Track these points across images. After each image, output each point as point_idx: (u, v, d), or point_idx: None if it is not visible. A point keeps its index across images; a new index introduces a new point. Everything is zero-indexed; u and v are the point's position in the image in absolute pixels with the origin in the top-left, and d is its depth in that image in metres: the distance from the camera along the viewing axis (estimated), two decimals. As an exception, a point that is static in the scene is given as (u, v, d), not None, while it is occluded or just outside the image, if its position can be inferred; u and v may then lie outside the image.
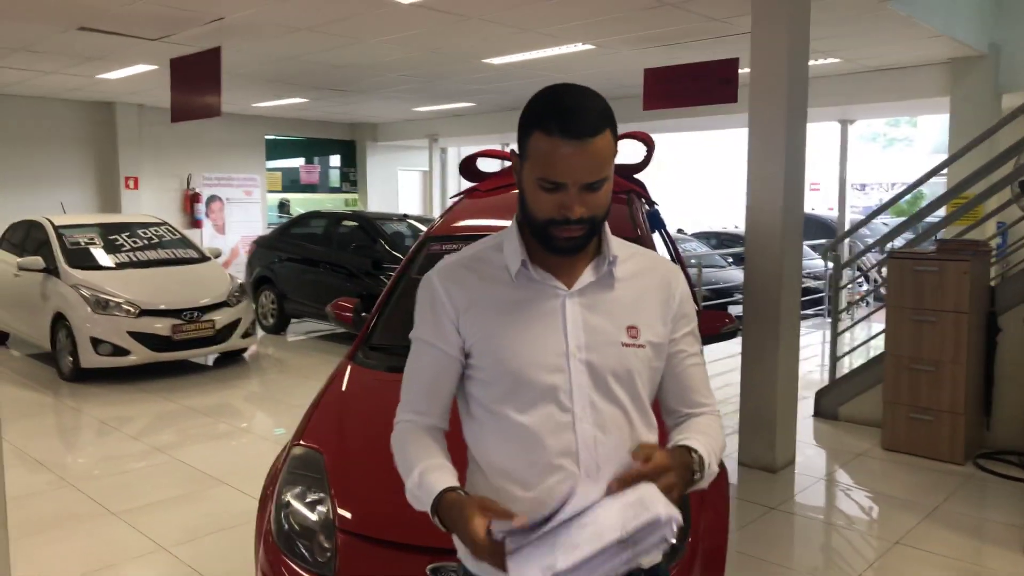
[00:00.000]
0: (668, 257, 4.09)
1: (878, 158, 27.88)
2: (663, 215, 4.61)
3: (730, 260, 11.72)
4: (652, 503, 1.14)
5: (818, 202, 19.89)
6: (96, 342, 6.89)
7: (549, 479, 1.36)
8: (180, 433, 5.78)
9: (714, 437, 1.42)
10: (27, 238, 8.16)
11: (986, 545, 3.90)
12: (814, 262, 11.04)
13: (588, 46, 7.46)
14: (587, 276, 1.42)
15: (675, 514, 1.14)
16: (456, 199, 4.16)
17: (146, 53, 7.62)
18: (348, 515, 2.47)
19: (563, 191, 1.31)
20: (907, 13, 6.04)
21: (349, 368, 3.18)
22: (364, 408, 2.94)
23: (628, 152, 4.27)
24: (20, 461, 5.05)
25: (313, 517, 2.52)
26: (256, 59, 8.19)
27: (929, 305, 4.94)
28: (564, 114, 1.29)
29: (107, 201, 12.02)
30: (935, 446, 4.97)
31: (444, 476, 1.36)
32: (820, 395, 5.97)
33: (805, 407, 5.78)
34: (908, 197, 27.40)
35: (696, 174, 22.79)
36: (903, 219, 6.84)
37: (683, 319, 1.49)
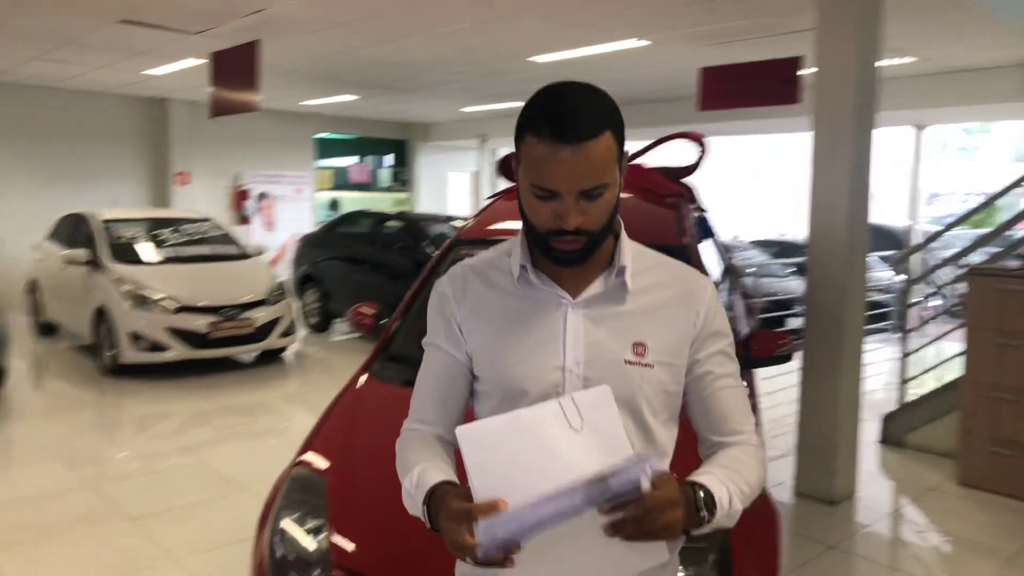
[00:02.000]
0: (715, 266, 3.74)
1: (948, 167, 26.63)
2: (713, 222, 4.27)
3: (791, 270, 11.17)
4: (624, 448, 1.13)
5: (875, 211, 18.99)
6: (135, 337, 6.84)
7: None
8: (211, 434, 5.65)
9: (742, 470, 1.28)
10: (75, 231, 8.20)
11: (1077, 602, 3.45)
12: (879, 274, 10.44)
13: (642, 42, 7.10)
14: (596, 286, 1.33)
15: (650, 456, 1.11)
16: (491, 200, 3.90)
17: (190, 47, 7.55)
18: (346, 549, 2.22)
19: (558, 200, 1.22)
20: (990, 8, 5.53)
21: (363, 381, 2.93)
22: (376, 427, 2.67)
23: (680, 154, 3.97)
24: (54, 458, 4.99)
25: (310, 547, 2.28)
26: (302, 55, 8.08)
27: (1014, 328, 4.47)
28: (557, 116, 1.19)
29: (158, 196, 12.13)
30: (1017, 484, 4.49)
31: (443, 474, 1.26)
32: (887, 420, 5.51)
33: (869, 432, 5.34)
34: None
35: (755, 178, 22.08)
36: (978, 232, 6.31)
37: (710, 337, 1.36)
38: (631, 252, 1.36)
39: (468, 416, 1.42)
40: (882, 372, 7.76)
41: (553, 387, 1.29)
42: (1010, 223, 5.56)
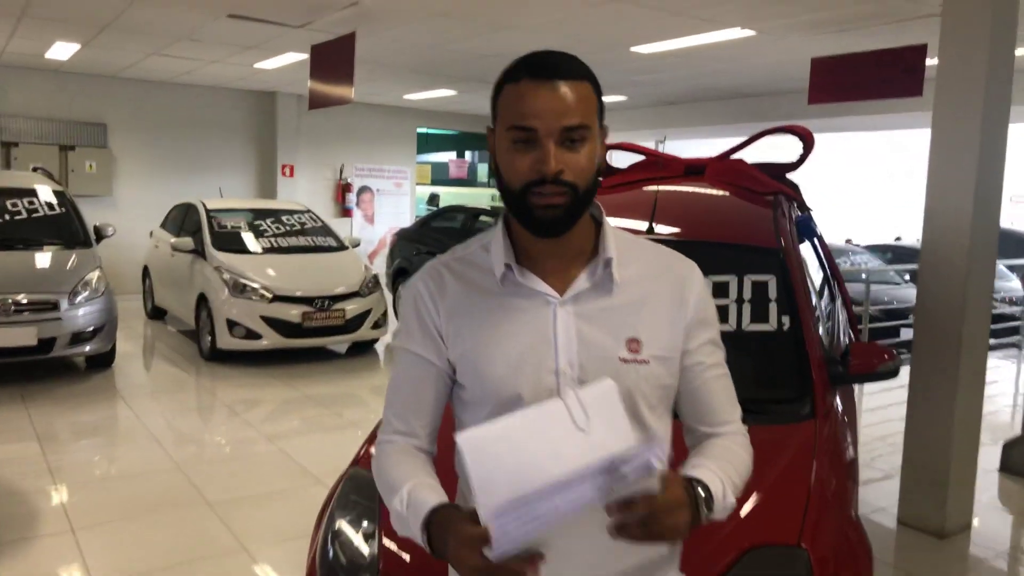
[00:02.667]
0: (815, 270, 3.44)
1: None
2: (817, 223, 3.94)
3: (907, 277, 10.44)
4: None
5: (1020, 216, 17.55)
6: (232, 324, 7.05)
7: None
8: (296, 423, 5.73)
9: (734, 462, 1.26)
10: (185, 219, 8.56)
11: None
12: (1009, 284, 9.60)
13: (748, 32, 6.73)
14: (582, 281, 1.27)
15: (659, 441, 1.14)
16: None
17: (293, 41, 7.72)
18: (395, 557, 2.12)
19: (537, 149, 1.17)
20: None
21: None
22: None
23: (784, 150, 3.68)
24: (149, 438, 5.18)
25: (364, 551, 2.19)
26: (400, 48, 8.12)
27: None
28: (532, 59, 1.20)
29: (265, 187, 12.55)
30: None
31: (437, 494, 1.20)
32: (1009, 447, 4.99)
33: (989, 459, 4.84)
34: None
35: (874, 178, 20.85)
36: None
37: (699, 325, 1.31)
38: (613, 240, 1.29)
39: (447, 423, 1.34)
40: (1004, 391, 7.12)
41: (548, 392, 1.22)
42: None
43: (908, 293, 9.29)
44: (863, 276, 8.38)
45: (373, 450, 1.36)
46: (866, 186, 20.19)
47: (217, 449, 5.20)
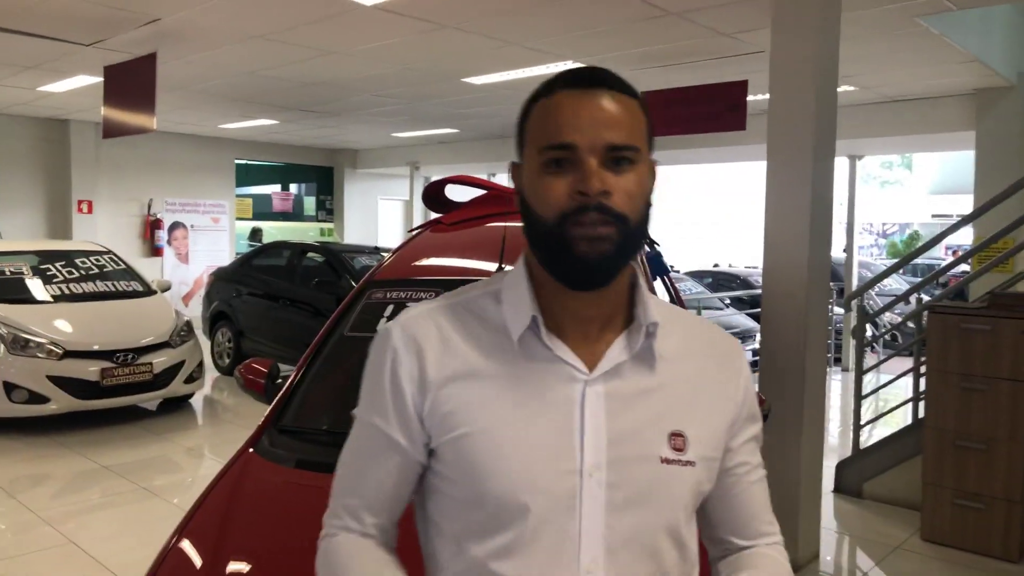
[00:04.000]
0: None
1: (872, 199, 27.39)
2: (665, 258, 3.84)
3: (727, 302, 10.95)
4: None
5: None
6: (10, 387, 6.02)
7: None
8: (92, 501, 4.90)
9: None
10: (-48, 265, 7.30)
11: None
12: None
13: (578, 64, 6.72)
14: (617, 351, 0.99)
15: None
16: (414, 233, 3.37)
17: (85, 62, 6.85)
18: None
19: (576, 170, 0.92)
20: (939, 32, 5.35)
21: (246, 461, 2.34)
22: (258, 525, 2.09)
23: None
24: None
25: None
26: (212, 73, 7.45)
27: (980, 371, 4.16)
28: (571, 72, 0.97)
29: (57, 226, 11.16)
30: (985, 539, 4.16)
31: None
32: (841, 467, 5.15)
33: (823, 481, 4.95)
34: (902, 238, 26.94)
35: (687, 207, 22.15)
36: (895, 261, 6.11)
37: (748, 420, 1.08)
38: (654, 301, 1.04)
39: (409, 512, 1.06)
40: (831, 409, 7.49)
41: (566, 499, 0.94)
42: (919, 251, 5.35)
43: (733, 319, 9.71)
44: (698, 304, 8.62)
45: (319, 544, 1.05)
46: (687, 215, 21.41)
47: (-14, 545, 4.28)
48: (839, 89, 6.57)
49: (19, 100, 9.31)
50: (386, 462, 1.01)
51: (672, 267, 13.34)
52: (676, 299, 3.73)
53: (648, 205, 0.97)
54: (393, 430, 1.00)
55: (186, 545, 2.03)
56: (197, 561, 1.97)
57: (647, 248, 3.34)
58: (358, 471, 1.04)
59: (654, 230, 3.63)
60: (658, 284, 3.41)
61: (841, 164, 9.96)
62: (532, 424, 0.95)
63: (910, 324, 5.76)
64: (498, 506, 0.95)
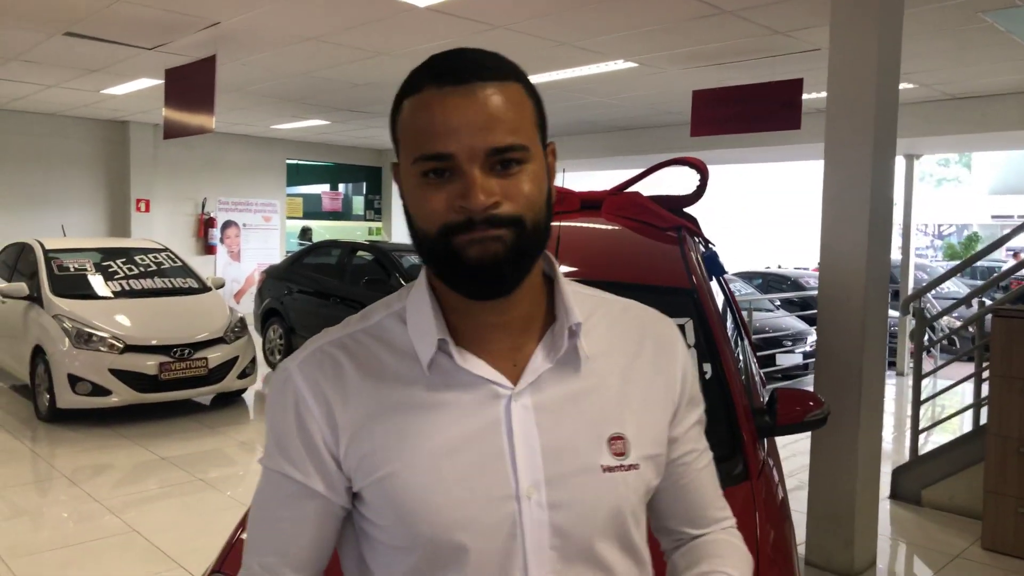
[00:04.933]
0: (726, 310, 3.25)
1: (928, 199, 26.67)
2: (721, 258, 3.80)
3: (777, 304, 10.77)
4: None
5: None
6: (74, 380, 6.22)
7: None
8: (151, 492, 5.03)
9: (744, 568, 1.00)
10: (18, 261, 7.59)
11: None
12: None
13: (630, 64, 6.70)
14: (539, 359, 0.91)
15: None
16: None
17: (146, 65, 7.04)
18: None
19: (455, 178, 0.82)
20: (1005, 28, 5.19)
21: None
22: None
23: (677, 182, 3.52)
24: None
25: None
26: (267, 75, 7.59)
27: (1047, 376, 4.03)
28: (437, 61, 0.85)
29: (116, 224, 11.51)
30: (1051, 550, 4.03)
31: None
32: (898, 473, 5.03)
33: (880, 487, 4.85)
34: (960, 240, 26.15)
35: (742, 207, 21.81)
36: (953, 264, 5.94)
37: (690, 405, 1.01)
38: (574, 298, 0.94)
39: (334, 566, 0.97)
40: (887, 414, 7.31)
41: (506, 527, 0.86)
42: (983, 253, 5.19)
43: (782, 321, 9.55)
44: (748, 305, 8.50)
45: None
46: (733, 215, 21.08)
47: (52, 531, 4.44)
48: (900, 87, 6.43)
49: (82, 102, 9.62)
50: (303, 512, 0.91)
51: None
52: (731, 302, 3.68)
53: (548, 199, 0.88)
54: (308, 478, 0.90)
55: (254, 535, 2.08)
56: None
57: (703, 248, 3.31)
58: (272, 525, 0.93)
59: (708, 231, 3.59)
60: (714, 285, 3.37)
61: (898, 163, 9.74)
62: (457, 453, 0.87)
63: (971, 328, 5.59)
64: (432, 549, 0.87)
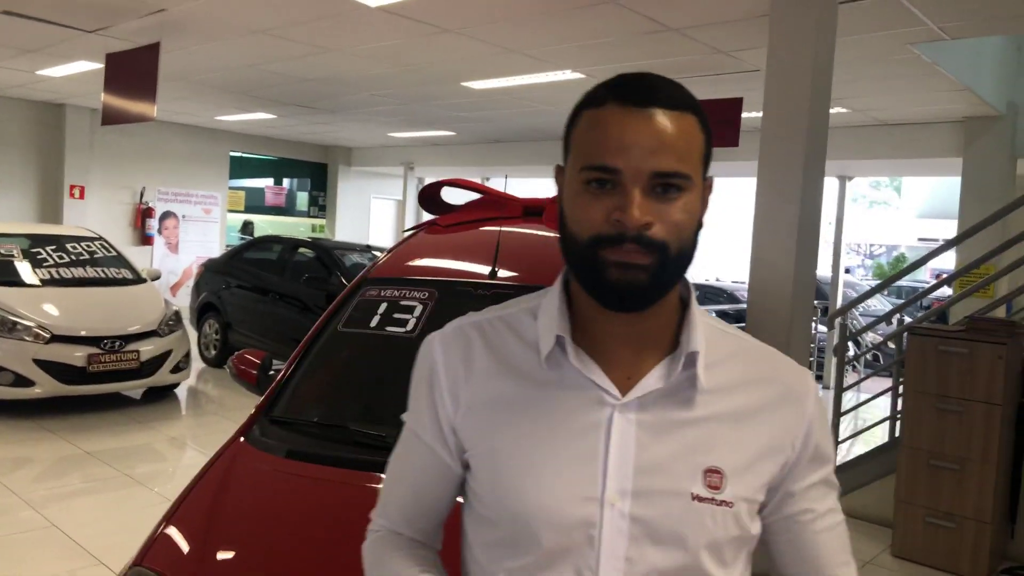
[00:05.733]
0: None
1: (859, 219, 27.64)
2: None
3: (712, 315, 11.02)
4: None
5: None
6: (-4, 369, 6.01)
7: None
8: (74, 487, 4.90)
9: None
10: (-59, 245, 7.28)
11: None
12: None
13: (577, 74, 6.82)
14: (654, 378, 0.94)
15: None
16: (409, 233, 3.43)
17: (86, 48, 6.86)
18: None
19: (617, 192, 0.87)
20: (931, 60, 5.46)
21: (236, 450, 2.38)
22: (247, 513, 2.13)
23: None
24: None
25: None
26: (213, 65, 7.47)
27: (956, 393, 4.25)
28: (622, 81, 0.91)
29: (47, 210, 11.13)
30: (955, 558, 4.25)
31: None
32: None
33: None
34: (889, 260, 27.16)
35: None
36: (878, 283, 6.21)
37: (813, 463, 0.99)
38: (703, 330, 0.97)
39: (454, 518, 1.07)
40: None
41: (583, 528, 0.90)
42: (902, 273, 5.46)
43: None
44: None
45: (367, 537, 1.10)
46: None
47: (-34, 525, 4.29)
48: (832, 110, 6.70)
49: (16, 82, 9.29)
50: (424, 468, 1.04)
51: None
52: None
53: (697, 228, 0.93)
54: (430, 439, 1.02)
55: (174, 531, 2.07)
56: (185, 547, 2.02)
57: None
58: (401, 475, 1.08)
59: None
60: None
61: (831, 184, 10.11)
62: (553, 446, 0.93)
63: (891, 344, 5.85)
64: (513, 529, 0.94)
